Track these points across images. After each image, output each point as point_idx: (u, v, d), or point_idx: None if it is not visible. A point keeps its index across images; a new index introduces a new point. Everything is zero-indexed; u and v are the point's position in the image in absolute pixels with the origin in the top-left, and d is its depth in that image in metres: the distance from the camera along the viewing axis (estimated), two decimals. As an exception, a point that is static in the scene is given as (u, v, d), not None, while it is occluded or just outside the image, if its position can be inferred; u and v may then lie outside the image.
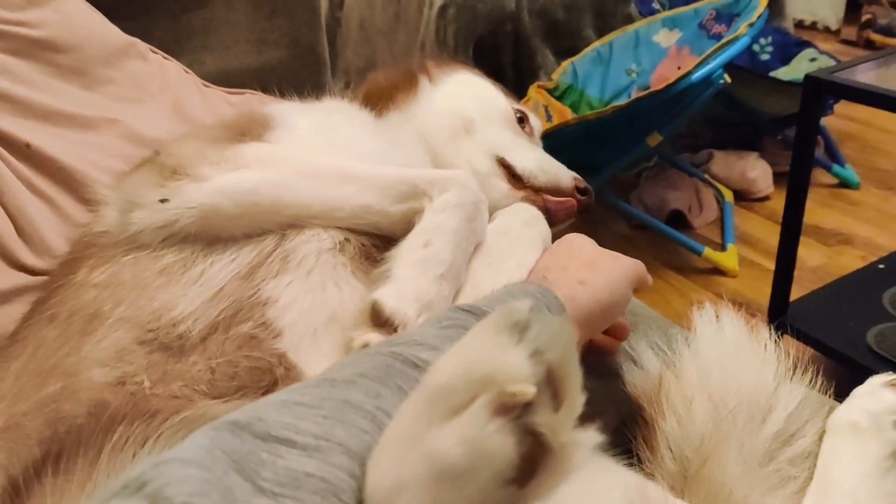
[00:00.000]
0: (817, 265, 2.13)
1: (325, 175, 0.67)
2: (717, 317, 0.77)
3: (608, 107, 1.83)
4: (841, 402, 0.71)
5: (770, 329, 0.75)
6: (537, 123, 1.07)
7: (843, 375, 0.70)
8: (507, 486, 0.34)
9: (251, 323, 0.60)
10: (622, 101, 2.37)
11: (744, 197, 2.46)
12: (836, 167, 2.55)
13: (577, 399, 0.36)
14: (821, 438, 0.68)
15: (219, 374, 0.57)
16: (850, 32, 4.02)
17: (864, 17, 3.96)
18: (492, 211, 0.99)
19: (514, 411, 0.34)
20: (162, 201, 0.63)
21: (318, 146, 0.76)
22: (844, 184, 2.55)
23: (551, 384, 0.35)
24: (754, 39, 2.09)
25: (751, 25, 1.91)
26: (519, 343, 0.35)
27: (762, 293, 1.86)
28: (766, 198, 2.47)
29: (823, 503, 0.64)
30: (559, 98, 2.38)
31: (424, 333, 0.50)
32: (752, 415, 0.66)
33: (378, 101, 0.95)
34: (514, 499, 0.35)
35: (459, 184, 0.67)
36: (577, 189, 0.93)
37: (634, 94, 2.38)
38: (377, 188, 0.66)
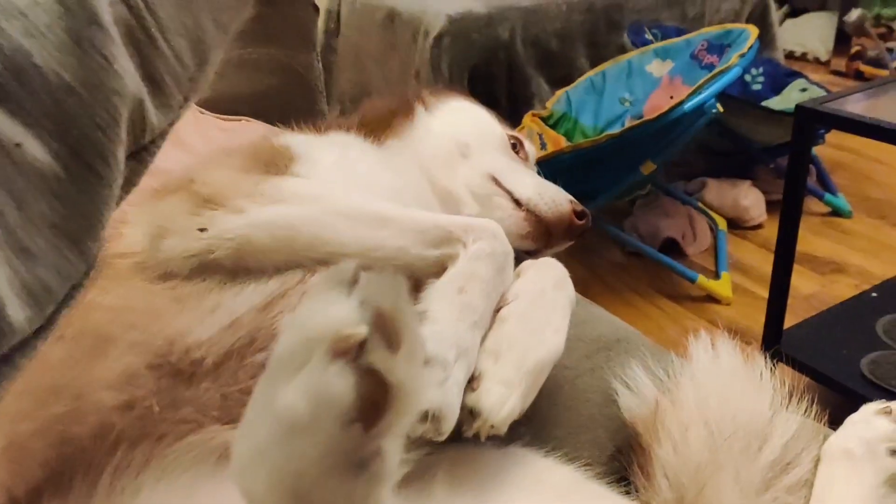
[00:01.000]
0: (811, 293, 2.14)
1: (363, 216, 0.67)
2: (713, 344, 0.77)
3: (602, 135, 1.85)
4: (835, 429, 0.71)
5: (765, 357, 0.75)
6: (531, 149, 1.08)
7: (837, 403, 0.70)
8: (353, 428, 0.35)
9: (266, 352, 0.59)
10: (616, 130, 2.40)
11: (737, 225, 2.48)
12: (828, 196, 2.57)
13: (414, 340, 0.36)
14: (816, 466, 0.68)
15: (231, 401, 0.57)
16: (840, 63, 4.08)
17: (854, 49, 4.01)
18: None
19: (350, 353, 0.35)
20: (200, 230, 0.62)
21: (346, 184, 0.77)
22: (836, 212, 2.57)
23: (384, 328, 0.35)
24: (746, 70, 2.12)
25: (742, 56, 1.94)
26: (348, 296, 0.36)
27: (756, 321, 1.87)
28: (759, 226, 2.49)
29: (820, 531, 0.64)
30: (553, 126, 2.40)
31: None
32: (749, 443, 0.66)
33: (376, 128, 0.96)
34: (364, 441, 0.35)
35: (492, 234, 0.68)
36: (575, 213, 0.93)
37: (628, 123, 2.40)
38: (414, 232, 0.67)
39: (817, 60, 4.22)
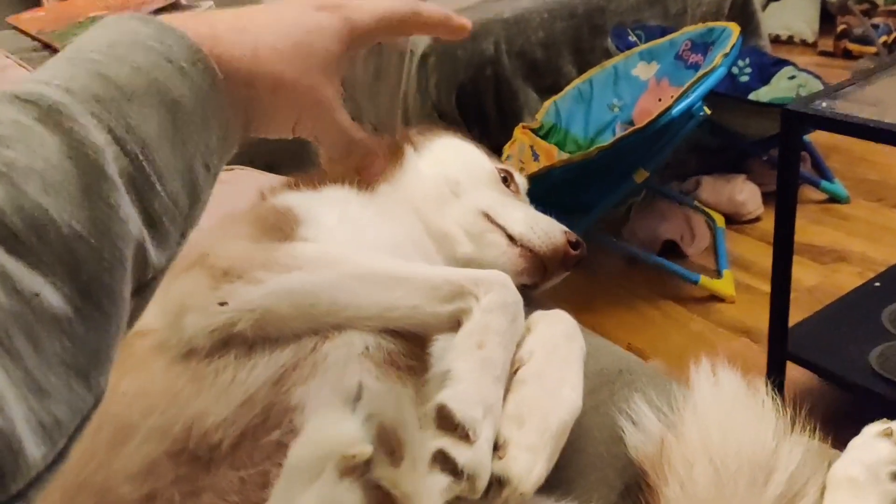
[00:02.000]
0: (814, 285, 2.14)
1: (376, 277, 0.68)
2: (714, 374, 0.78)
3: (593, 148, 1.86)
4: (845, 434, 0.72)
5: (767, 384, 0.75)
6: (522, 181, 1.09)
7: (847, 401, 0.70)
8: None
9: (280, 430, 0.59)
10: (606, 139, 2.40)
11: (735, 220, 2.48)
12: (824, 183, 2.57)
13: (416, 453, 0.38)
14: (823, 494, 0.68)
15: (249, 485, 0.57)
16: (828, 44, 4.07)
17: (840, 28, 4.01)
18: (489, 268, 1.01)
19: (358, 470, 0.37)
20: (221, 304, 0.63)
21: (352, 242, 0.78)
22: (834, 198, 2.57)
23: (388, 442, 0.38)
24: (730, 67, 2.12)
25: (725, 55, 1.95)
26: (353, 412, 0.37)
27: (761, 318, 1.86)
28: (756, 219, 2.49)
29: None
30: (544, 137, 2.41)
31: None
32: (754, 477, 0.67)
33: None
34: None
35: (502, 284, 0.68)
36: (570, 243, 0.94)
37: (618, 129, 2.41)
38: (426, 289, 0.67)
39: (804, 42, 4.22)
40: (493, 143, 2.93)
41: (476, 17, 2.75)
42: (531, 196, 2.04)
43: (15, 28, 1.55)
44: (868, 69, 2.63)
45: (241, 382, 0.61)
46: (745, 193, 2.47)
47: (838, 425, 0.71)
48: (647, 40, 2.50)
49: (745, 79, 2.71)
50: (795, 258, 1.60)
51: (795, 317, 1.69)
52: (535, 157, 2.33)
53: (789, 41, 4.27)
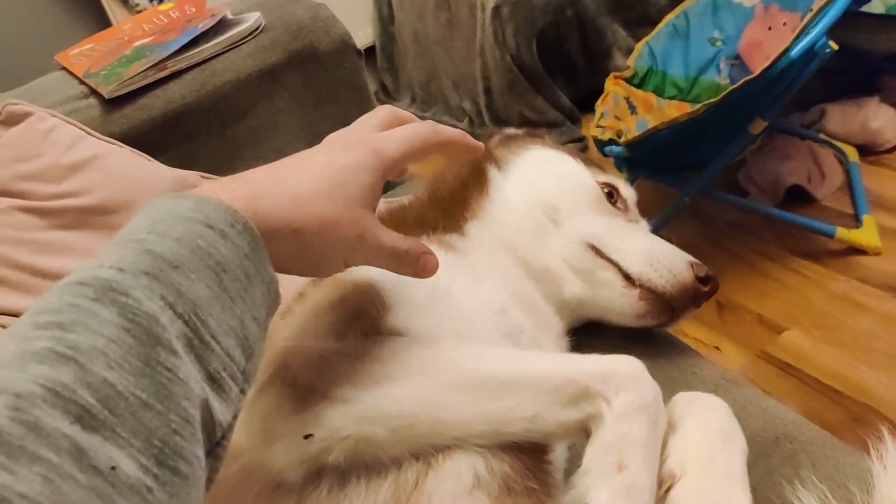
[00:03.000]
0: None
1: (485, 384, 0.58)
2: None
3: (700, 105, 1.63)
4: None
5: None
6: (630, 193, 0.93)
7: None
8: None
9: None
10: (710, 77, 2.15)
11: (870, 151, 2.18)
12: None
13: None
14: None
15: None
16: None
17: None
18: (604, 312, 0.85)
19: None
20: (306, 437, 0.55)
21: (448, 322, 0.68)
22: None
23: None
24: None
25: (849, -29, 1.65)
26: None
27: (916, 269, 1.65)
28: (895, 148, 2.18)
29: None
30: (639, 85, 2.17)
31: None
32: None
33: (451, 209, 0.86)
34: None
35: (637, 379, 0.58)
36: (699, 279, 0.81)
37: (723, 65, 2.14)
38: (544, 394, 0.57)
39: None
40: (582, 92, 2.71)
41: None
42: (636, 159, 1.85)
43: (64, 69, 1.46)
44: None
45: None
46: (881, 119, 2.15)
47: None
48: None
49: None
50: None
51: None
52: (633, 109, 2.10)
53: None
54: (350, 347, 0.61)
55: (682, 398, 0.65)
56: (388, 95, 3.41)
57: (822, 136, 2.17)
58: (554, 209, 0.85)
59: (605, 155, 1.89)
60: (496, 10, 2.55)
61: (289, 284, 0.55)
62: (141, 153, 1.23)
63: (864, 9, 2.19)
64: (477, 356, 0.61)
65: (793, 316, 1.76)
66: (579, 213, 0.86)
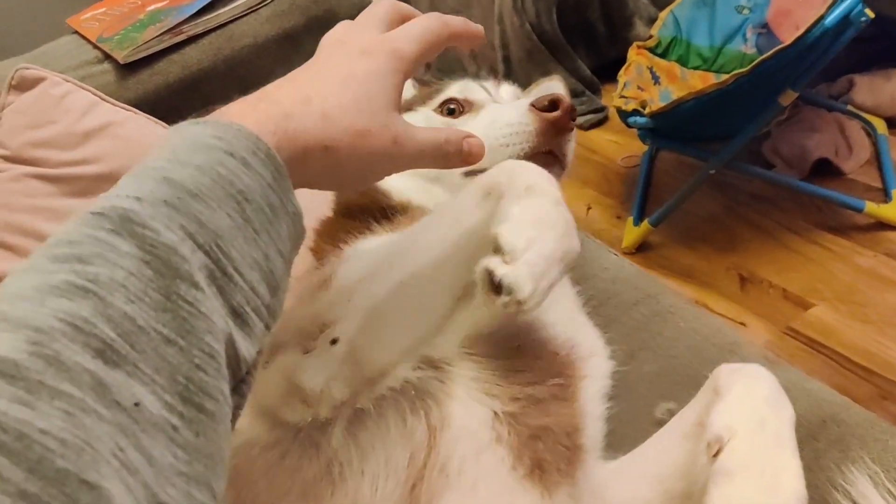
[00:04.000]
0: None
1: (415, 239, 0.63)
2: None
3: (729, 75, 1.58)
4: None
5: None
6: (469, 85, 0.90)
7: None
8: None
9: None
10: (736, 47, 2.10)
11: (899, 124, 2.13)
12: None
13: None
14: None
15: None
16: None
17: None
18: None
19: None
20: (333, 342, 0.58)
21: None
22: None
23: None
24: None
25: (886, -65, 1.60)
26: None
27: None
28: (925, 119, 2.13)
29: None
30: (663, 55, 2.12)
31: None
32: None
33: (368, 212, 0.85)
34: None
35: (519, 164, 0.61)
36: (544, 110, 0.77)
37: (749, 34, 2.09)
38: (459, 214, 0.61)
39: None
40: (604, 61, 2.65)
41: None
42: (661, 130, 1.80)
43: (76, 32, 1.42)
44: None
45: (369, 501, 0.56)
46: (910, 90, 2.10)
47: None
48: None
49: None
50: None
51: None
52: (656, 79, 2.05)
53: None
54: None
55: (726, 368, 0.64)
56: (402, 64, 3.35)
57: (849, 107, 2.12)
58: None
59: (629, 126, 1.84)
60: (515, -24, 2.49)
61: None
62: (157, 120, 1.20)
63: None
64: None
65: (818, 291, 1.73)
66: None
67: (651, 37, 2.12)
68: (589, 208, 2.14)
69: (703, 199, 2.02)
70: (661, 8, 2.20)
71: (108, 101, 1.18)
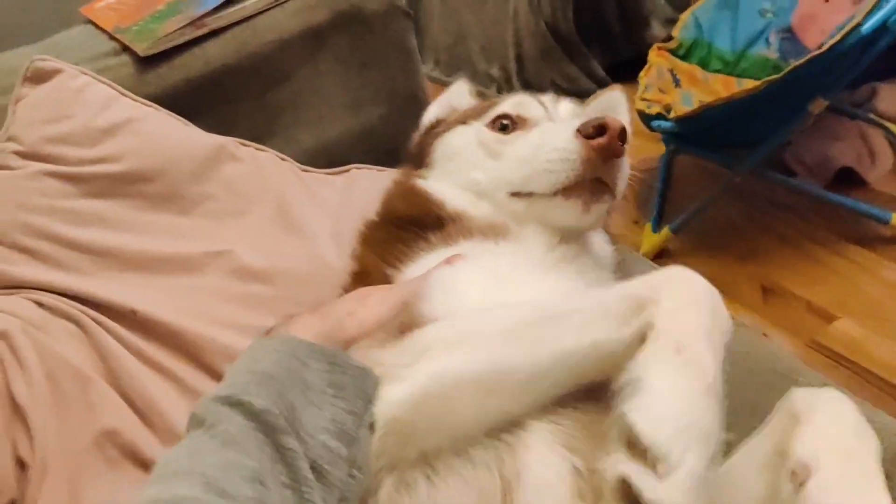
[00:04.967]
0: None
1: (528, 327, 0.57)
2: None
3: (760, 82, 1.54)
4: None
5: None
6: (522, 99, 0.88)
7: None
8: None
9: None
10: (758, 51, 2.06)
11: (923, 133, 2.09)
12: None
13: None
14: None
15: None
16: None
17: None
18: (564, 227, 0.78)
19: None
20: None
21: (482, 291, 0.67)
22: None
23: None
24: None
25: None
26: None
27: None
28: (950, 129, 2.09)
29: None
30: (684, 57, 2.08)
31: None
32: None
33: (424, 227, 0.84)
34: None
35: (683, 278, 0.56)
36: (589, 137, 0.73)
37: (772, 38, 2.05)
38: (599, 316, 0.55)
39: None
40: (619, 61, 2.61)
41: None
42: (685, 135, 1.76)
43: (90, 22, 1.37)
44: None
45: None
46: (935, 99, 2.07)
47: None
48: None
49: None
50: None
51: None
52: (677, 82, 2.01)
53: None
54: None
55: (801, 392, 0.60)
56: (410, 59, 3.30)
57: (872, 115, 2.09)
58: (475, 182, 0.83)
59: (652, 129, 1.80)
60: (532, -29, 2.45)
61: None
62: (178, 117, 1.15)
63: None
64: (518, 307, 0.60)
65: (843, 304, 1.69)
66: (486, 169, 0.83)
67: (672, 38, 2.08)
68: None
69: (722, 206, 1.99)
70: (677, 8, 2.16)
71: (127, 96, 1.13)
